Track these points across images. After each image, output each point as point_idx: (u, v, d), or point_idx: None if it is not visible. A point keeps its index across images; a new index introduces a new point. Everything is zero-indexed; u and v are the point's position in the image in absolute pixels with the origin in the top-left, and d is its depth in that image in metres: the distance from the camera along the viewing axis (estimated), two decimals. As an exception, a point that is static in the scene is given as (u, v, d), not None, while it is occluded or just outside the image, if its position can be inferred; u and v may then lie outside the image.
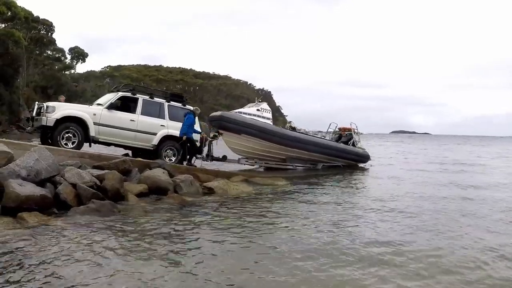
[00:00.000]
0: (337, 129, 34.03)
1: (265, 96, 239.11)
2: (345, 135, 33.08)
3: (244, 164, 25.67)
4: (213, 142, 22.70)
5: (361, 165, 32.48)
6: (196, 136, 20.08)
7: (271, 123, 27.21)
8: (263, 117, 26.63)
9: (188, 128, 18.98)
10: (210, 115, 27.14)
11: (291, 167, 27.35)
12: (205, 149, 22.10)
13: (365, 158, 32.75)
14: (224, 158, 23.64)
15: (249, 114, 26.14)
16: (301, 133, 28.53)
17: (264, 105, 27.71)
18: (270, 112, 27.82)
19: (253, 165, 26.22)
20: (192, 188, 15.59)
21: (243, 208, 13.72)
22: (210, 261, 8.17)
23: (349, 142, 32.03)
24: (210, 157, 22.57)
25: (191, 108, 20.56)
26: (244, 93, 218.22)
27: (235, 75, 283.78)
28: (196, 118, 19.97)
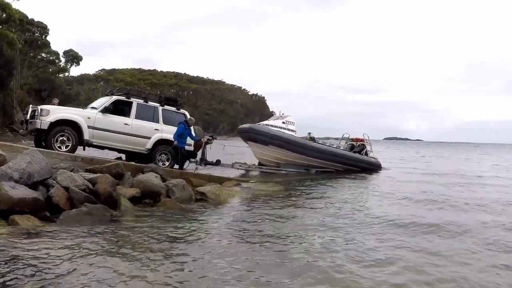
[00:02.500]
0: (349, 139, 35.82)
1: (259, 101, 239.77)
2: (357, 145, 35.01)
3: (238, 169, 25.77)
4: (207, 146, 22.69)
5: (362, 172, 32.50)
6: (190, 141, 19.98)
7: (296, 135, 29.21)
8: (289, 129, 28.85)
9: (178, 137, 18.89)
10: (239, 127, 30.61)
11: (284, 172, 27.43)
12: (199, 154, 22.13)
13: (377, 166, 34.60)
14: (217, 163, 23.75)
15: (276, 127, 28.43)
16: (320, 143, 30.70)
17: (289, 118, 29.71)
18: (295, 124, 29.69)
19: (246, 170, 26.29)
20: (185, 193, 15.55)
21: (234, 213, 13.77)
22: (200, 267, 8.18)
23: (362, 152, 34.01)
24: (204, 161, 22.61)
25: (186, 113, 20.51)
26: (238, 98, 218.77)
27: (229, 80, 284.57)
28: (192, 128, 19.87)
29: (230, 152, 27.10)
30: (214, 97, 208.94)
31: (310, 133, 31.91)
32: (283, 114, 31.25)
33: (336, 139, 35.54)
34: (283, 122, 29.10)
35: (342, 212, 15.03)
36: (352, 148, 34.89)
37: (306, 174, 27.91)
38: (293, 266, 8.47)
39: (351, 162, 31.81)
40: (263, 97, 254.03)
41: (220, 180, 19.27)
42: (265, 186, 20.32)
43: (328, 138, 37.29)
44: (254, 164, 27.43)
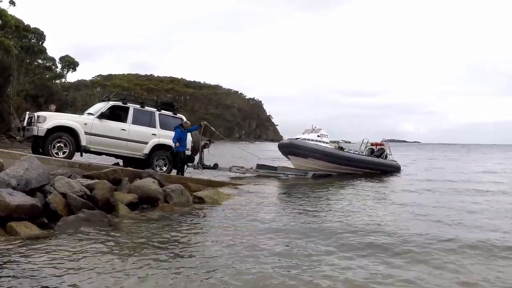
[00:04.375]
0: (369, 144, 38.63)
1: (256, 105, 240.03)
2: (377, 149, 37.99)
3: (236, 173, 25.84)
4: (204, 150, 22.71)
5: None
6: (188, 145, 20.00)
7: (329, 146, 32.65)
8: (323, 142, 32.15)
9: (177, 141, 18.90)
10: (279, 142, 34.02)
11: (282, 175, 27.54)
12: (197, 158, 22.16)
13: (397, 169, 37.38)
14: (215, 166, 23.78)
15: (312, 140, 31.56)
16: (349, 152, 33.69)
17: (323, 131, 32.89)
18: (328, 137, 33.29)
19: (244, 173, 26.37)
20: (183, 198, 15.55)
21: (230, 217, 13.74)
22: (202, 272, 8.18)
23: (382, 155, 37.14)
24: (201, 165, 22.65)
25: (183, 117, 20.51)
26: (234, 102, 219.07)
27: (225, 85, 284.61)
28: (188, 131, 19.86)
29: (228, 156, 27.08)
30: (211, 102, 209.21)
31: (339, 141, 36.85)
32: (315, 127, 33.59)
33: (344, 141, 38.82)
34: (318, 136, 32.18)
35: (336, 215, 15.08)
36: (372, 152, 37.69)
37: (302, 179, 27.94)
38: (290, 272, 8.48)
39: (375, 166, 34.93)
40: (260, 101, 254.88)
41: (218, 185, 19.29)
42: (263, 190, 20.35)
43: (348, 142, 41.77)
44: (251, 168, 27.57)
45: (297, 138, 32.29)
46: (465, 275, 8.63)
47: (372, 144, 39.02)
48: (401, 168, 38.17)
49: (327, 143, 32.83)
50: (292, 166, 31.10)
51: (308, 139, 31.72)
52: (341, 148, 33.94)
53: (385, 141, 39.74)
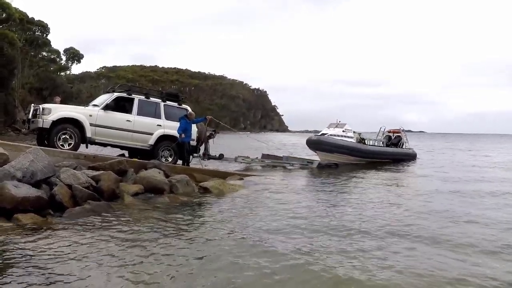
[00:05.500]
0: (386, 131, 42.43)
1: (261, 95, 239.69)
2: (394, 137, 41.71)
3: (241, 163, 25.81)
4: (209, 141, 22.68)
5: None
6: (193, 135, 19.99)
7: (354, 141, 34.76)
8: (348, 137, 34.49)
9: (182, 132, 18.86)
10: (308, 138, 35.71)
11: (288, 165, 27.51)
12: (202, 148, 22.15)
13: (413, 156, 41.34)
14: (220, 157, 23.78)
15: (337, 135, 33.99)
16: (371, 145, 36.94)
17: (347, 126, 35.32)
18: (352, 131, 35.43)
19: (249, 164, 26.35)
20: (188, 188, 15.56)
21: (235, 207, 13.76)
22: (208, 261, 8.19)
23: (399, 143, 41.04)
24: (206, 155, 22.66)
25: (188, 108, 20.46)
26: (239, 92, 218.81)
27: (230, 75, 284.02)
28: (193, 123, 19.82)
29: (233, 146, 27.07)
30: (216, 92, 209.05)
31: (360, 133, 37.24)
32: (340, 121, 35.99)
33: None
34: (343, 131, 34.60)
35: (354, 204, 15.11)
36: (389, 139, 41.40)
37: (309, 169, 27.94)
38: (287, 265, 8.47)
39: (393, 156, 38.26)
40: (265, 92, 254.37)
41: (224, 175, 19.25)
42: (269, 181, 20.32)
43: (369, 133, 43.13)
44: (257, 158, 27.52)
45: (323, 134, 34.62)
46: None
47: (389, 132, 42.33)
48: (417, 156, 41.90)
49: (351, 137, 34.82)
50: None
51: (334, 135, 34.06)
52: (363, 139, 36.36)
53: (402, 130, 42.90)
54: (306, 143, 35.91)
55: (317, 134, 35.87)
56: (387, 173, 28.54)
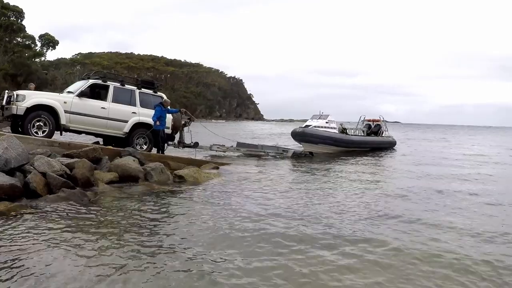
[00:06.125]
0: (365, 120, 44.58)
1: (237, 83, 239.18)
2: (374, 125, 43.70)
3: (216, 151, 25.84)
4: (184, 129, 22.65)
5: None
6: (169, 123, 19.98)
7: (337, 131, 36.85)
8: (331, 128, 36.52)
9: (157, 119, 18.83)
10: (293, 130, 37.27)
11: (263, 153, 27.58)
12: (177, 136, 22.12)
13: (394, 144, 43.60)
14: (195, 145, 23.72)
15: (321, 127, 35.84)
16: (353, 135, 39.27)
17: (330, 117, 37.20)
18: (334, 122, 37.38)
19: (224, 152, 26.39)
20: (163, 176, 15.59)
21: (209, 195, 13.83)
22: (181, 248, 8.24)
23: (379, 131, 42.88)
24: (181, 144, 22.62)
25: (163, 96, 20.43)
26: (215, 80, 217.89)
27: (206, 63, 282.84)
28: (168, 107, 19.79)
29: (208, 135, 27.04)
30: (192, 80, 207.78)
31: (342, 123, 40.05)
32: (322, 113, 38.07)
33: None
34: (326, 122, 36.45)
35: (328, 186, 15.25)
36: (369, 127, 43.49)
37: (283, 157, 28.05)
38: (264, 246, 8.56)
39: (375, 145, 40.38)
40: (241, 80, 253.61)
41: (199, 163, 19.26)
42: (243, 169, 20.40)
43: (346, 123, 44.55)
44: (232, 146, 27.55)
45: (307, 125, 36.43)
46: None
47: (369, 121, 44.33)
48: (396, 143, 44.14)
49: (334, 128, 36.91)
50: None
51: (318, 126, 35.86)
52: (345, 130, 38.60)
53: (382, 119, 44.73)
54: (291, 135, 37.47)
55: (301, 126, 37.42)
56: (361, 159, 29.45)
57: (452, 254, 8.62)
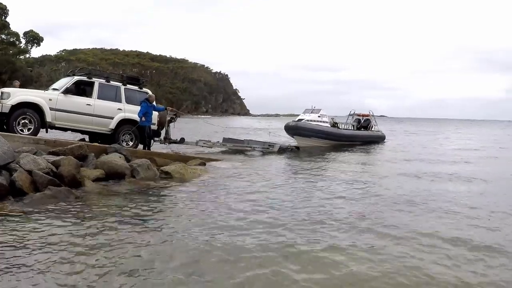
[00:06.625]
0: (355, 115, 45.97)
1: (223, 79, 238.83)
2: (364, 120, 45.43)
3: (202, 146, 25.82)
4: (170, 125, 22.62)
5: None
6: (155, 119, 19.94)
7: (329, 125, 38.46)
8: (323, 121, 37.98)
9: (143, 115, 18.80)
10: (286, 124, 38.52)
11: (249, 148, 27.58)
12: (163, 132, 22.09)
13: (383, 138, 45.50)
14: (181, 141, 23.70)
15: (313, 121, 37.22)
16: (344, 129, 41.03)
17: (322, 112, 38.57)
18: (326, 116, 38.79)
19: (211, 147, 26.38)
20: (149, 173, 15.57)
21: (196, 191, 13.86)
22: (168, 245, 8.25)
23: (369, 126, 44.62)
24: (167, 140, 22.60)
25: (149, 91, 20.41)
26: (201, 76, 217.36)
27: (192, 59, 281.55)
28: (154, 104, 19.76)
29: (194, 130, 27.06)
30: (177, 76, 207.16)
31: (333, 118, 41.14)
32: (314, 107, 39.38)
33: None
34: (319, 116, 37.81)
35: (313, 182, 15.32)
36: (359, 122, 44.98)
37: (269, 152, 28.04)
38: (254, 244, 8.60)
39: (365, 139, 42.28)
40: (227, 75, 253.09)
41: (185, 159, 19.25)
42: (230, 164, 20.41)
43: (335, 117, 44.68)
44: (218, 142, 27.56)
45: (300, 120, 37.89)
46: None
47: (358, 115, 45.98)
48: (385, 138, 45.91)
49: (327, 122, 38.39)
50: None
51: (311, 120, 37.29)
52: (336, 124, 40.10)
53: (371, 113, 46.75)
54: (285, 129, 38.71)
55: (294, 120, 38.72)
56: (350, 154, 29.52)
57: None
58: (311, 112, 38.68)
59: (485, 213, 12.20)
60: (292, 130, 37.32)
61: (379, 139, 44.64)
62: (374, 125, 45.38)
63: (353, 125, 43.80)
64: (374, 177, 18.86)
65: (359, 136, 41.98)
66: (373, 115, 46.91)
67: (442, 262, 7.95)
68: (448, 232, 9.92)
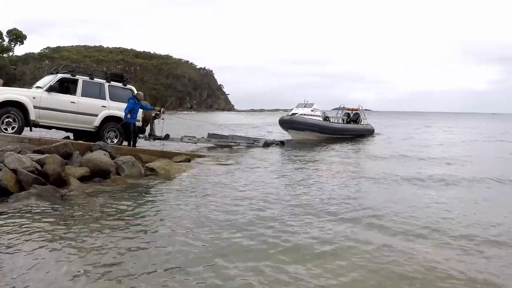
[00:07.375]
0: (344, 109, 47.49)
1: (207, 74, 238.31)
2: (353, 114, 46.79)
3: (187, 142, 25.81)
4: (155, 121, 22.60)
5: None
6: (139, 116, 19.92)
7: (321, 119, 40.01)
8: (316, 115, 39.66)
9: (129, 112, 18.79)
10: (280, 118, 40.88)
11: (234, 144, 27.62)
12: (148, 129, 22.08)
13: (372, 132, 46.92)
14: (166, 137, 23.69)
15: (306, 115, 38.91)
16: (335, 123, 42.28)
17: (315, 106, 40.28)
18: (319, 110, 40.48)
19: (196, 143, 26.39)
20: (134, 169, 15.56)
21: (181, 187, 13.92)
22: (156, 242, 8.30)
23: (358, 120, 45.82)
24: (152, 136, 22.59)
25: (133, 88, 20.40)
26: (185, 72, 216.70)
27: (176, 55, 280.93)
28: (142, 102, 19.75)
29: (179, 126, 27.05)
30: (161, 72, 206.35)
31: (324, 112, 42.51)
32: (307, 101, 41.06)
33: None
34: (312, 110, 39.55)
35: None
36: (348, 116, 46.29)
37: (253, 147, 28.07)
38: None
39: (356, 132, 43.86)
40: (211, 71, 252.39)
41: (170, 155, 19.25)
42: (215, 160, 20.44)
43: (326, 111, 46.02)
44: (203, 137, 27.57)
45: (293, 114, 39.72)
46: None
47: (348, 109, 47.33)
48: (374, 131, 47.34)
49: (319, 116, 39.96)
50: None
51: (304, 114, 38.98)
52: (327, 118, 41.54)
53: (360, 107, 48.13)
54: (279, 122, 41.02)
55: (288, 114, 40.91)
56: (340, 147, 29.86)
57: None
58: (304, 107, 40.25)
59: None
60: (286, 124, 39.39)
61: (368, 133, 46.04)
62: (364, 118, 46.66)
63: (343, 119, 44.93)
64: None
65: (350, 129, 43.50)
66: (362, 110, 48.18)
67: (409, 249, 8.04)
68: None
